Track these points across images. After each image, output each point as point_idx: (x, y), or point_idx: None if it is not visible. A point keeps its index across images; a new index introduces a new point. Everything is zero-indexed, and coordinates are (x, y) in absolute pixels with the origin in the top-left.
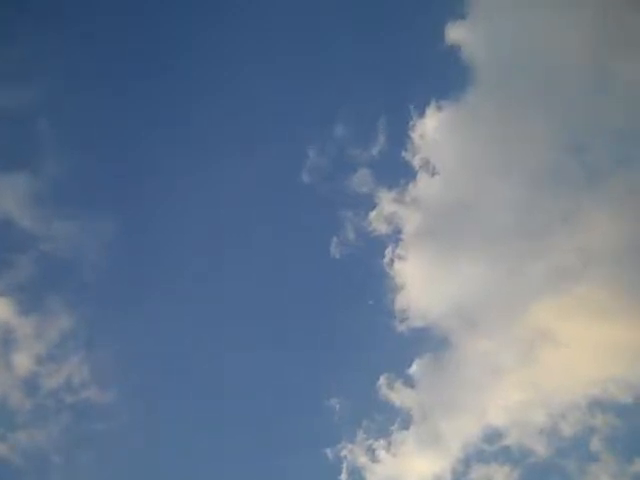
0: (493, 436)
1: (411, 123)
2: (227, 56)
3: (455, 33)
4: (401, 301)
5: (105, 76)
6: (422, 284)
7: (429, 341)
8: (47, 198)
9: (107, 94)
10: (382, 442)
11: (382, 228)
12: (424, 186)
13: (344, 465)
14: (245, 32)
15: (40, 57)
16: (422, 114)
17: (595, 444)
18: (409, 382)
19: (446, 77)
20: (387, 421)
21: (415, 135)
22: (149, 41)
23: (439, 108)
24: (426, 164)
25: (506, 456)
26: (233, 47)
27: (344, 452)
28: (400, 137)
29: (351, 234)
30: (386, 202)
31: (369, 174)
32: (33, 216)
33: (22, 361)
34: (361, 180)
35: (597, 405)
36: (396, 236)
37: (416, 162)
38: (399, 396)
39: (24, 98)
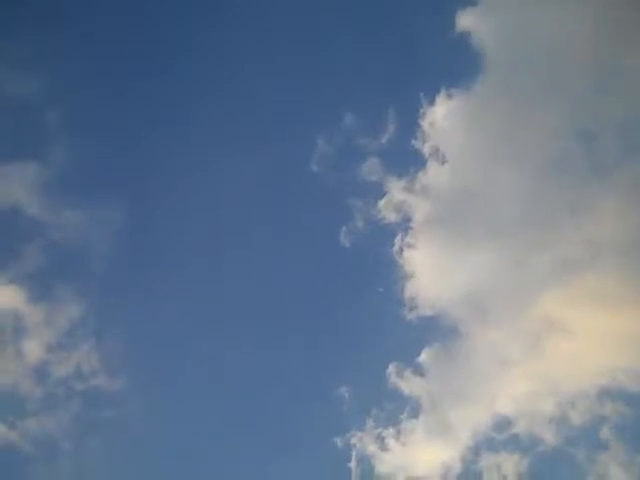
0: (502, 425)
1: (421, 111)
2: (240, 44)
3: (465, 21)
4: (410, 289)
5: (114, 65)
6: (431, 273)
7: (438, 330)
8: (56, 187)
9: (116, 83)
10: (391, 430)
11: (391, 216)
12: (433, 174)
13: (353, 453)
14: (253, 21)
15: (48, 46)
16: (432, 102)
17: (605, 433)
18: (418, 371)
19: (456, 65)
20: (396, 410)
21: (425, 123)
22: (157, 27)
23: (449, 96)
24: (435, 152)
25: (515, 444)
26: (249, 35)
27: (353, 440)
28: (410, 125)
29: (360, 222)
30: (395, 190)
31: (378, 162)
32: (42, 205)
33: (32, 349)
34: (370, 169)
35: (606, 394)
36: (405, 224)
37: (425, 150)
38: (408, 385)
39: (32, 87)
